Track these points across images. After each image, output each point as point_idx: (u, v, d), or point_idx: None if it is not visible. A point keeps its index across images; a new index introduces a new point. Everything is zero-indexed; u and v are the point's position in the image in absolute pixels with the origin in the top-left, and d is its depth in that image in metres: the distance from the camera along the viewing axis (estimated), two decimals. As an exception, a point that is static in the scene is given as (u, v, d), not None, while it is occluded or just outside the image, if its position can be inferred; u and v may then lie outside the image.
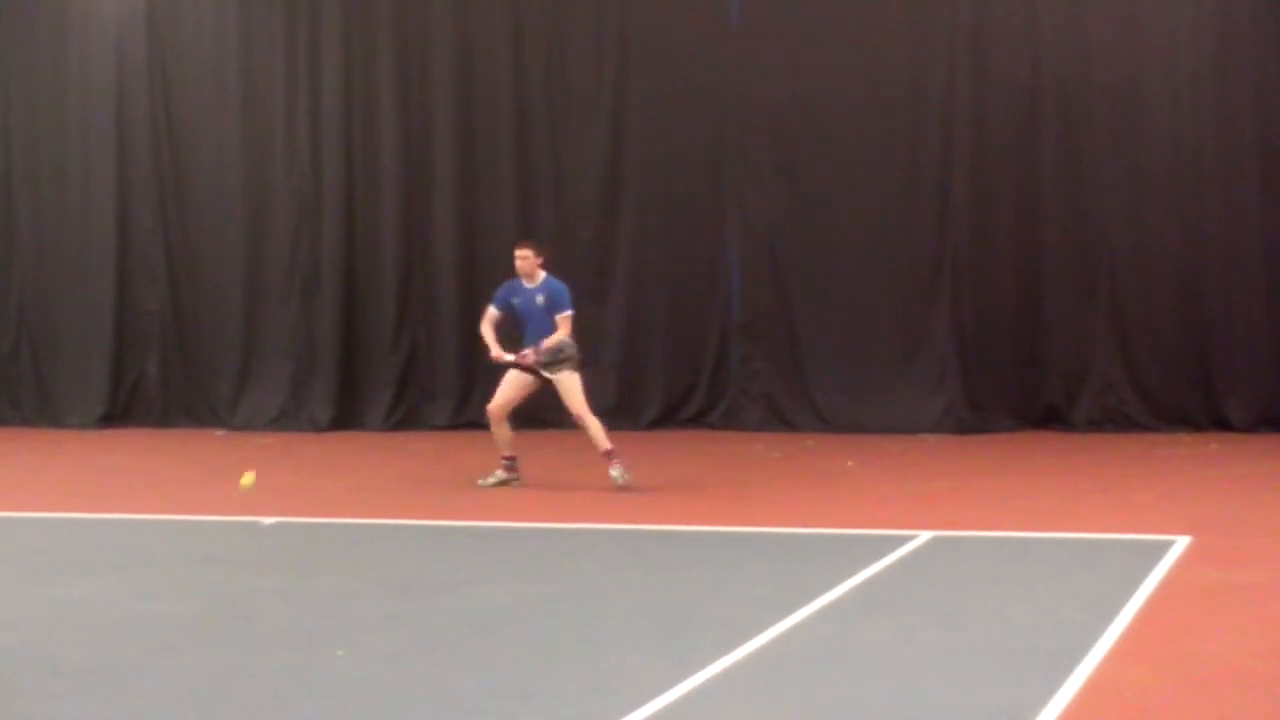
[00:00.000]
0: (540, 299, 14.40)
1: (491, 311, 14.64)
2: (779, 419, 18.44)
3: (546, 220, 19.17)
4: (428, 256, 19.51)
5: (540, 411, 19.10)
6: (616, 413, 18.86)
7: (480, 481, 14.54)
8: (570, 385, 14.32)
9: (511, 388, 14.49)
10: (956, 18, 18.06)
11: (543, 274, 14.55)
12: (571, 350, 14.30)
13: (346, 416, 19.52)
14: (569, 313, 14.39)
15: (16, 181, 20.67)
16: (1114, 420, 17.64)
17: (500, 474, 14.52)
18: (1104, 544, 11.47)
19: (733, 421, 18.57)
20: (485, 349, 14.64)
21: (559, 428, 18.82)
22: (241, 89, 19.93)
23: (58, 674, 8.28)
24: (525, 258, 14.50)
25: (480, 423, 19.05)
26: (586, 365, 18.92)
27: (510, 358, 14.34)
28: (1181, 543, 11.10)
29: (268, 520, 12.91)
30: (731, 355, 18.75)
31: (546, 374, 14.30)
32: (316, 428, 19.37)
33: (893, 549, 11.05)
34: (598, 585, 10.33)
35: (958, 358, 18.00)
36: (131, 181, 20.29)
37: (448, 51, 19.39)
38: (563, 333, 14.30)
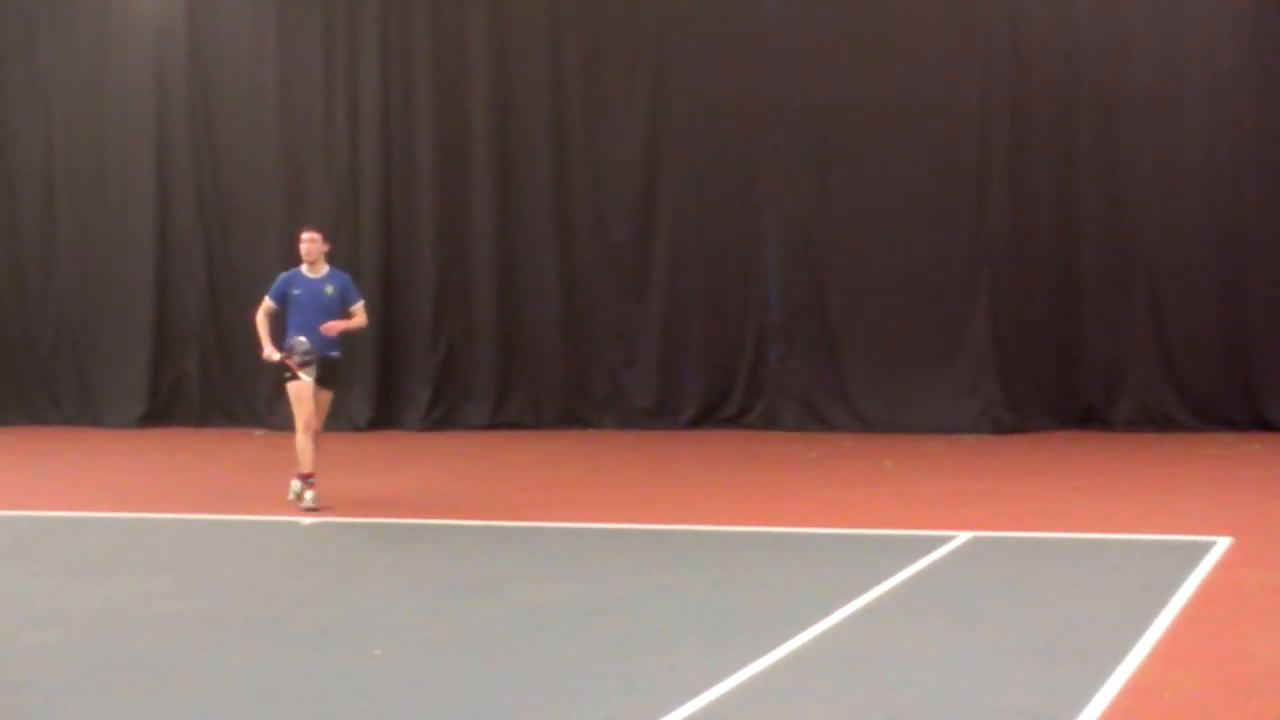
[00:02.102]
0: (330, 289, 13.64)
1: (268, 304, 13.69)
2: (816, 419, 18.40)
3: (583, 220, 19.19)
4: (465, 257, 19.54)
5: (582, 411, 19.17)
6: (654, 413, 18.89)
7: (299, 500, 13.56)
8: (326, 403, 13.75)
9: (308, 400, 13.50)
10: (992, 15, 18.00)
11: (326, 265, 13.80)
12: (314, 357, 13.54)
13: (385, 416, 19.57)
14: (363, 301, 13.95)
15: (58, 184, 20.80)
16: (1154, 420, 17.56)
17: (313, 493, 13.51)
18: (1144, 545, 11.42)
19: (770, 422, 18.53)
20: (257, 344, 13.78)
21: (599, 428, 18.87)
22: (280, 91, 20.00)
23: (98, 671, 8.32)
24: (314, 240, 13.72)
25: (520, 423, 19.16)
26: (629, 364, 19.15)
27: (278, 356, 13.46)
28: (1223, 544, 11.04)
29: (306, 521, 12.96)
30: (769, 355, 18.72)
31: (304, 375, 13.40)
32: (355, 428, 19.42)
33: (932, 549, 11.02)
34: (636, 585, 10.33)
35: (996, 357, 17.94)
36: (171, 183, 20.39)
37: (485, 51, 19.40)
38: (360, 321, 13.83)
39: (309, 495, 13.42)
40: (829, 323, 18.53)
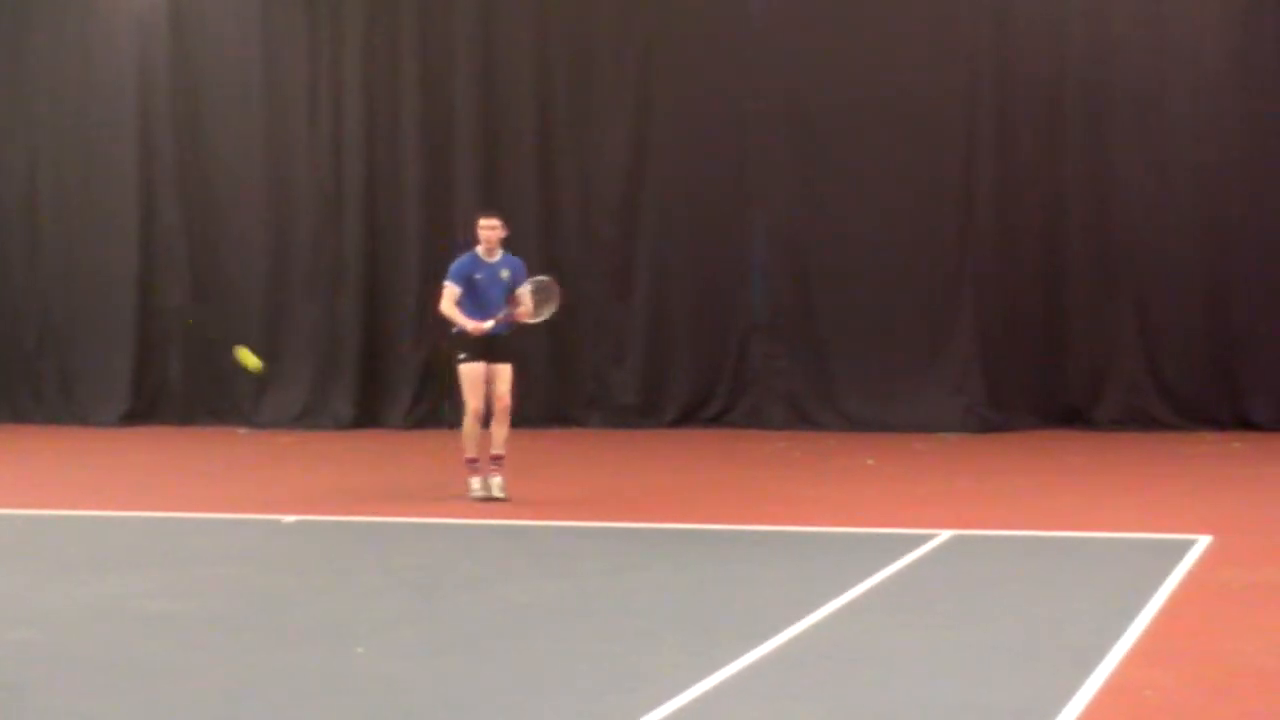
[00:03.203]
0: (505, 273, 13.58)
1: (453, 289, 13.54)
2: (801, 418, 18.42)
3: (569, 218, 19.19)
4: (449, 254, 19.39)
5: (567, 409, 19.17)
6: (639, 411, 18.91)
7: (498, 494, 13.56)
8: (509, 374, 13.57)
9: (480, 383, 13.47)
10: (978, 16, 18.02)
11: (500, 249, 13.73)
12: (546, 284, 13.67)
13: (369, 414, 19.56)
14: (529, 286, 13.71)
15: (42, 181, 20.75)
16: (1137, 419, 17.60)
17: (482, 480, 13.56)
18: (1125, 543, 11.45)
19: (755, 420, 18.55)
20: (454, 326, 13.50)
21: (584, 426, 18.87)
22: (264, 86, 19.98)
23: (82, 670, 8.31)
24: (495, 228, 13.60)
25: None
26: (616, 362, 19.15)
27: (489, 325, 13.34)
28: (1203, 542, 11.08)
29: (289, 518, 12.95)
30: (754, 353, 18.74)
31: (537, 311, 13.54)
32: (339, 425, 19.42)
33: (914, 548, 11.04)
34: (620, 583, 10.34)
35: (980, 356, 17.98)
36: (155, 179, 20.36)
37: (471, 49, 19.39)
38: (527, 306, 13.61)
39: (481, 481, 13.43)
40: (814, 322, 18.55)
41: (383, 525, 12.87)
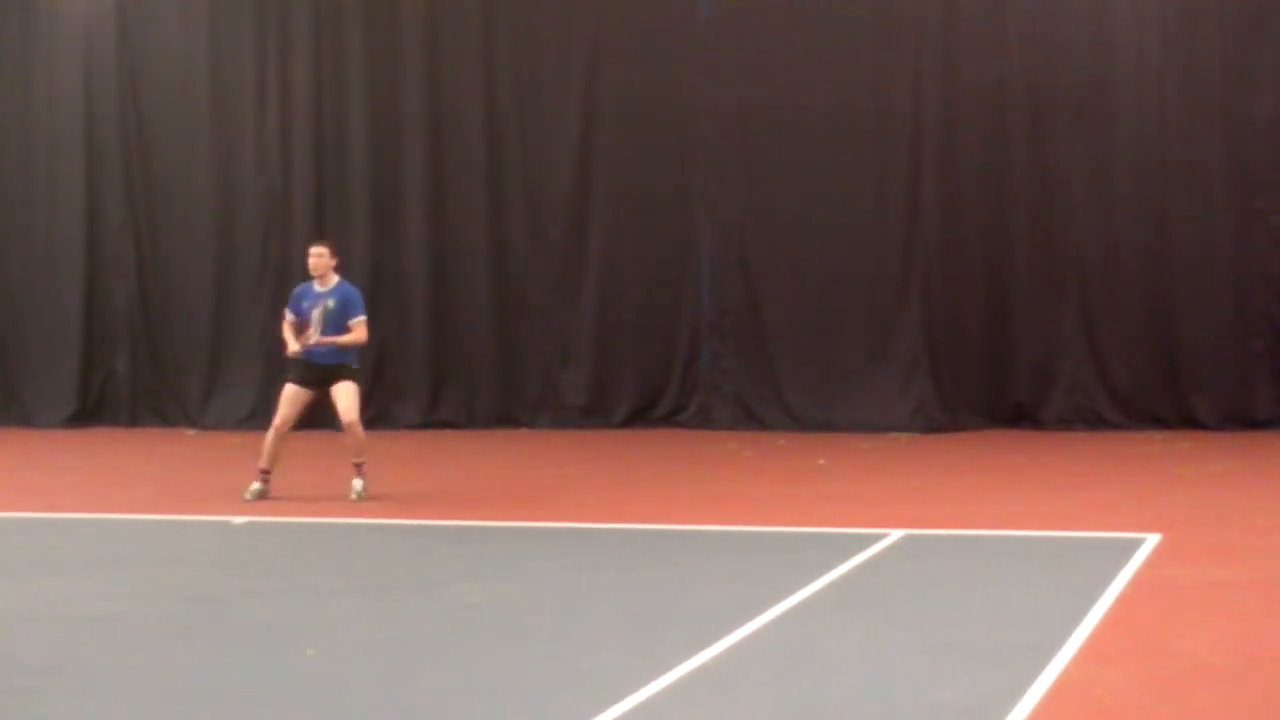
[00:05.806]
0: (330, 303, 13.67)
1: (287, 316, 13.92)
2: (749, 418, 18.45)
3: (517, 219, 19.17)
4: (397, 256, 19.48)
5: (515, 411, 19.14)
6: (588, 412, 18.90)
7: (243, 494, 13.73)
8: (347, 392, 13.82)
9: (291, 405, 13.84)
10: (924, 18, 18.10)
11: (336, 277, 13.86)
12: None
13: (317, 416, 19.43)
14: (363, 317, 13.76)
15: (-14, 181, 20.61)
16: (1084, 419, 17.70)
17: (258, 486, 13.78)
18: (1074, 542, 11.51)
19: (704, 420, 18.57)
20: (283, 346, 14.00)
21: (533, 427, 18.85)
22: (211, 86, 19.88)
23: (28, 673, 8.25)
24: (320, 255, 13.82)
25: (453, 422, 19.13)
26: (558, 363, 19.13)
27: (297, 347, 13.66)
28: (1151, 540, 11.14)
29: (238, 520, 12.88)
30: (702, 354, 18.76)
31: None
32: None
33: (864, 547, 11.07)
34: (569, 584, 10.33)
35: (928, 356, 18.04)
36: (100, 178, 20.22)
37: (418, 51, 19.36)
38: (353, 336, 13.71)
39: (356, 483, 13.83)
40: (762, 322, 18.58)
41: (333, 526, 12.82)
